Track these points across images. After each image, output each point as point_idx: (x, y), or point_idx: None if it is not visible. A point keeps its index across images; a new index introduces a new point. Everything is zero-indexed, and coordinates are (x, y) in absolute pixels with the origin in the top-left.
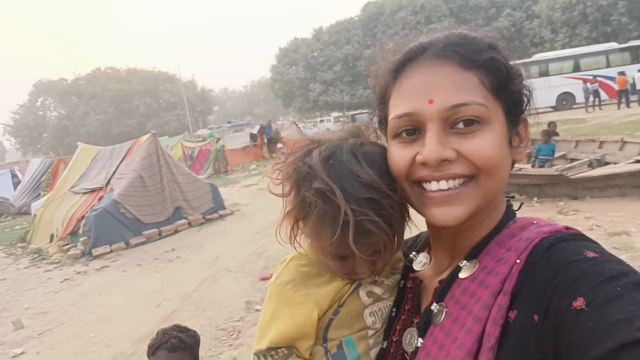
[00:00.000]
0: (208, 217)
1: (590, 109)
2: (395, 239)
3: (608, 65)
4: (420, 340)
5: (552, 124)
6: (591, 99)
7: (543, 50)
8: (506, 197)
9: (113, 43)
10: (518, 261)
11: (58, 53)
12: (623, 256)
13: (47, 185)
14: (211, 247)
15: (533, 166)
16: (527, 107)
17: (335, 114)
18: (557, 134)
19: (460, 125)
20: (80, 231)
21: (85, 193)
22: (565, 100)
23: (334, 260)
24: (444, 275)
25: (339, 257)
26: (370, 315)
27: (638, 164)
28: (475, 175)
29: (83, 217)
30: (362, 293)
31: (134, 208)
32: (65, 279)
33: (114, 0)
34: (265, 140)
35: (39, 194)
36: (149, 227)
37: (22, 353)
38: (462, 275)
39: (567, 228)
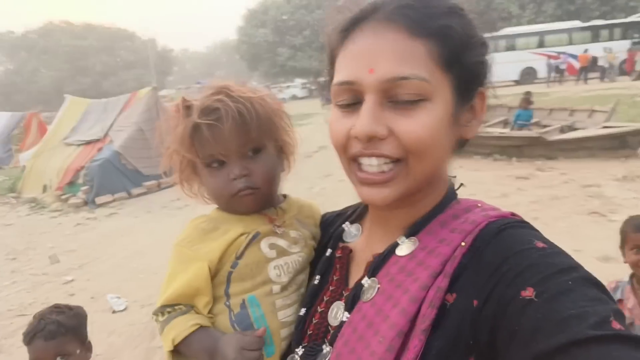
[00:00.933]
0: None
1: (550, 84)
2: (251, 135)
3: (570, 43)
4: (346, 314)
5: (528, 93)
6: (553, 74)
7: (510, 25)
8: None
9: None
10: (463, 244)
11: (4, 4)
12: (595, 202)
13: (19, 139)
14: None
15: (512, 130)
16: (484, 81)
17: (299, 80)
18: (532, 103)
19: (399, 99)
20: (80, 181)
21: (80, 145)
22: (528, 75)
23: (212, 167)
24: (379, 250)
25: (215, 166)
26: (275, 268)
27: (605, 129)
28: (403, 158)
29: (82, 167)
30: (264, 245)
31: (135, 159)
32: (78, 224)
33: None
34: None
35: (11, 148)
36: (148, 179)
37: (72, 280)
38: (399, 252)
39: (512, 214)
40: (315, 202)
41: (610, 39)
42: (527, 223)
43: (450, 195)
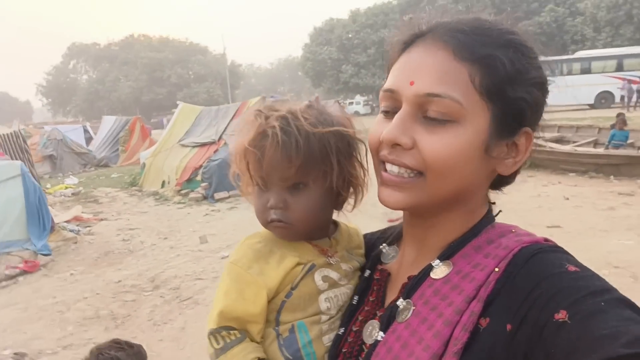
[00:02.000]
0: None
1: (631, 109)
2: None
3: None
4: (381, 334)
5: (621, 114)
6: (634, 98)
7: (583, 48)
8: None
9: (145, 11)
10: (497, 269)
11: (92, 18)
12: None
13: (124, 141)
14: None
15: (606, 149)
16: (533, 122)
17: (359, 97)
18: (627, 124)
19: (430, 116)
20: (198, 178)
21: (195, 146)
22: (604, 99)
23: (259, 187)
24: (413, 272)
25: (260, 188)
26: (325, 300)
27: None
28: (423, 171)
29: (200, 166)
30: (318, 277)
31: None
32: (206, 214)
33: None
34: None
35: (118, 149)
36: None
37: (227, 256)
38: (434, 275)
39: (545, 240)
40: (358, 227)
41: None
42: (560, 248)
43: (487, 220)
